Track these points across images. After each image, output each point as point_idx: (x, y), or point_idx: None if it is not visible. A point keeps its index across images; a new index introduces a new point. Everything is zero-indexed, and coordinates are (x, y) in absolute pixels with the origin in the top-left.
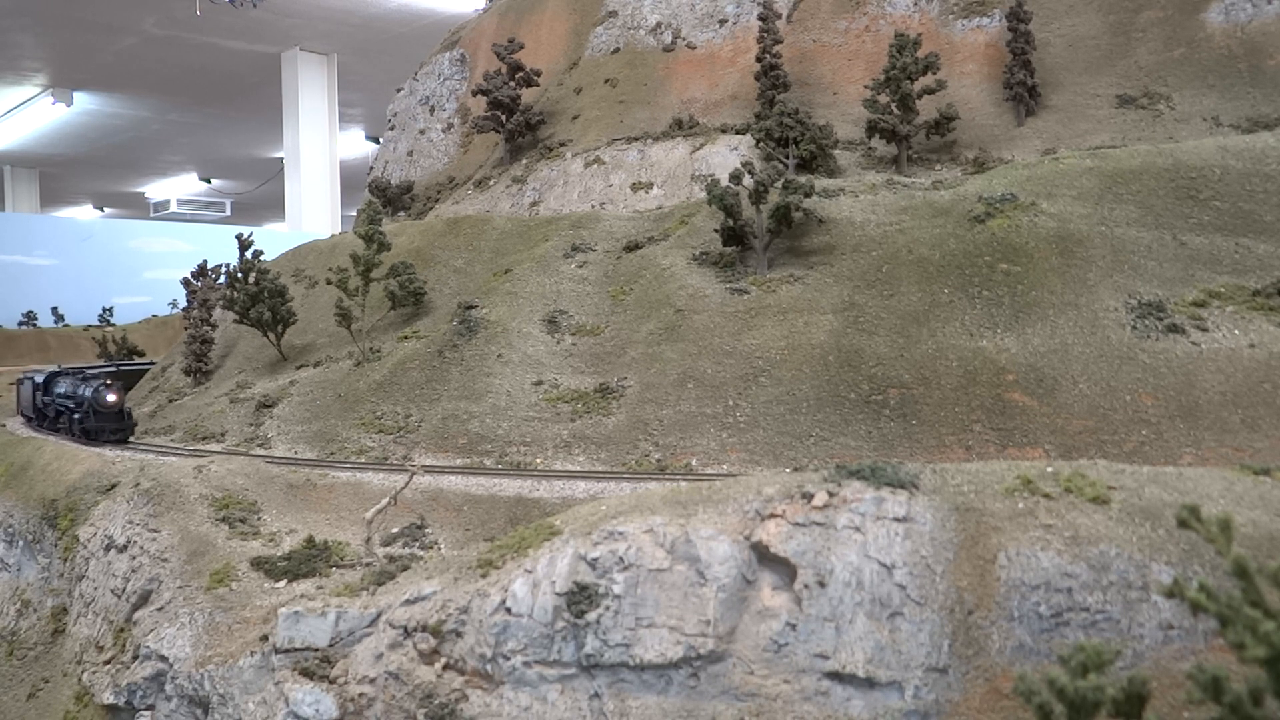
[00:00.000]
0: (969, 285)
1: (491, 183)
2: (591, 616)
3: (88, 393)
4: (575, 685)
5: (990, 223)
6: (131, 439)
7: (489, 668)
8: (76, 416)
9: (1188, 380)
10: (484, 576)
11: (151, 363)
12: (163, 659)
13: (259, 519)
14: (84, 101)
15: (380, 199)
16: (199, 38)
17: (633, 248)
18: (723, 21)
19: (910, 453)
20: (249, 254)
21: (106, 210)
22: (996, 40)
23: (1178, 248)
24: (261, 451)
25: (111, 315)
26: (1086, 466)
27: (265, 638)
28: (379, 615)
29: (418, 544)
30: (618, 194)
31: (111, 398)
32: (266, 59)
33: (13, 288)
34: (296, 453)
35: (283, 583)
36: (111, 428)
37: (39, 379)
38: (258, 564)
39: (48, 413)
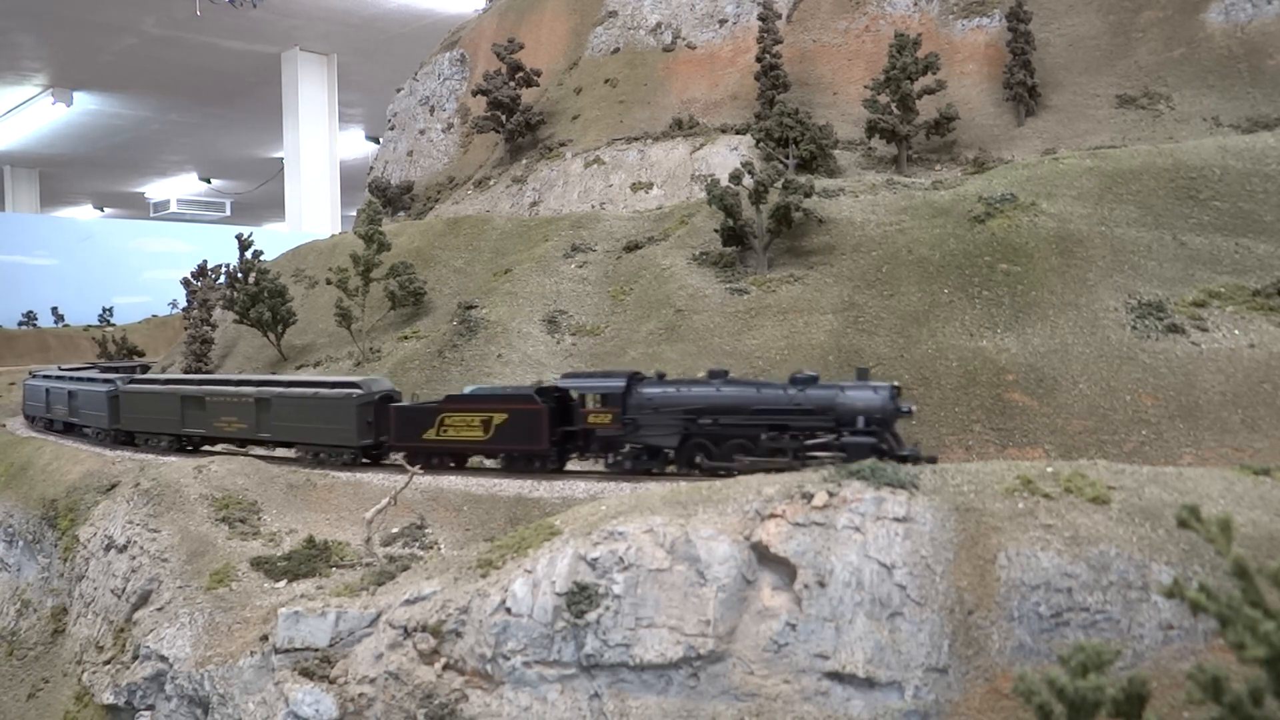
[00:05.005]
0: (969, 285)
1: (491, 183)
2: (591, 616)
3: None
4: (575, 685)
5: (990, 223)
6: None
7: (489, 668)
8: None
9: (1188, 380)
10: (484, 576)
11: (148, 364)
12: (163, 659)
13: (259, 519)
14: (84, 101)
15: (380, 199)
16: (199, 38)
17: (633, 248)
18: (723, 21)
19: None
20: (249, 254)
21: (106, 210)
22: (996, 40)
23: (1178, 248)
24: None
25: (111, 315)
26: (1086, 466)
27: (265, 638)
28: (379, 615)
29: (418, 544)
30: (618, 194)
31: None
32: (266, 59)
33: (13, 288)
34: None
35: (283, 583)
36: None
37: (401, 408)
38: (258, 564)
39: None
